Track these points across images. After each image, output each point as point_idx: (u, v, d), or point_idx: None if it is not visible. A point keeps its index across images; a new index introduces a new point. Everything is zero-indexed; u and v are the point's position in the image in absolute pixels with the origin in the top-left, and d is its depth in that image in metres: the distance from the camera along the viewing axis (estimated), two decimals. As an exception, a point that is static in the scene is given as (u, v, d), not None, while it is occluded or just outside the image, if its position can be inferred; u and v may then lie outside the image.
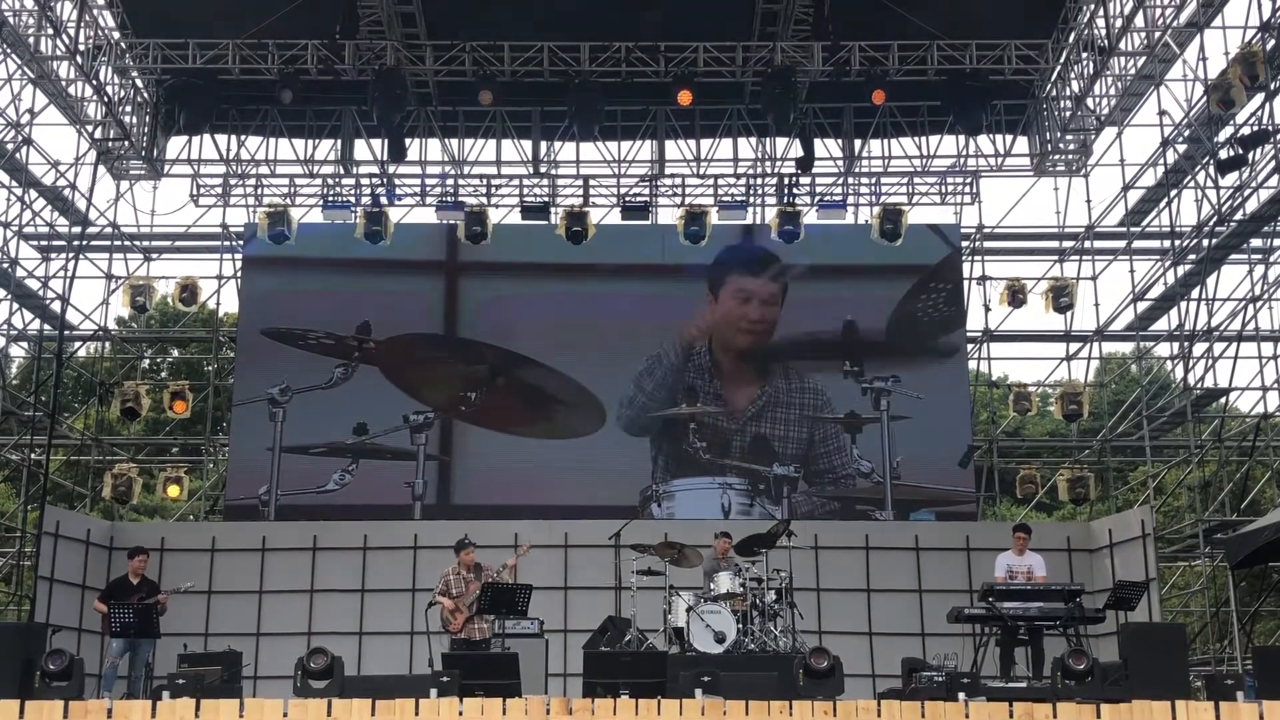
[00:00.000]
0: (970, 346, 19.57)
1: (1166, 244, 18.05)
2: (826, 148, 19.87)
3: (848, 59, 17.52)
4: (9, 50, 16.70)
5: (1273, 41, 15.50)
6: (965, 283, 19.42)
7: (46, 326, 18.65)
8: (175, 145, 19.74)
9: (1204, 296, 16.79)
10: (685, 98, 17.21)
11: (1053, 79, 19.12)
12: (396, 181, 19.85)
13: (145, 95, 19.09)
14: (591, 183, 19.79)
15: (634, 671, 9.72)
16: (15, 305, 17.59)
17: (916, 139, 19.81)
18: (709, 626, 12.10)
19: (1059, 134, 19.32)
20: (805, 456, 18.24)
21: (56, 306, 18.09)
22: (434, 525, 17.09)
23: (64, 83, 17.58)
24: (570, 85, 17.55)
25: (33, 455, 17.77)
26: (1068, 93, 19.09)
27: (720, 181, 19.79)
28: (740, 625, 12.25)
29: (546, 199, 19.72)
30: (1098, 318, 19.66)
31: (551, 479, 18.04)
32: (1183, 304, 17.30)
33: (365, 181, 19.73)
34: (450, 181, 19.88)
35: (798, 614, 13.04)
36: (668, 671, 9.94)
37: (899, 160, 19.94)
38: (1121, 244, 19.13)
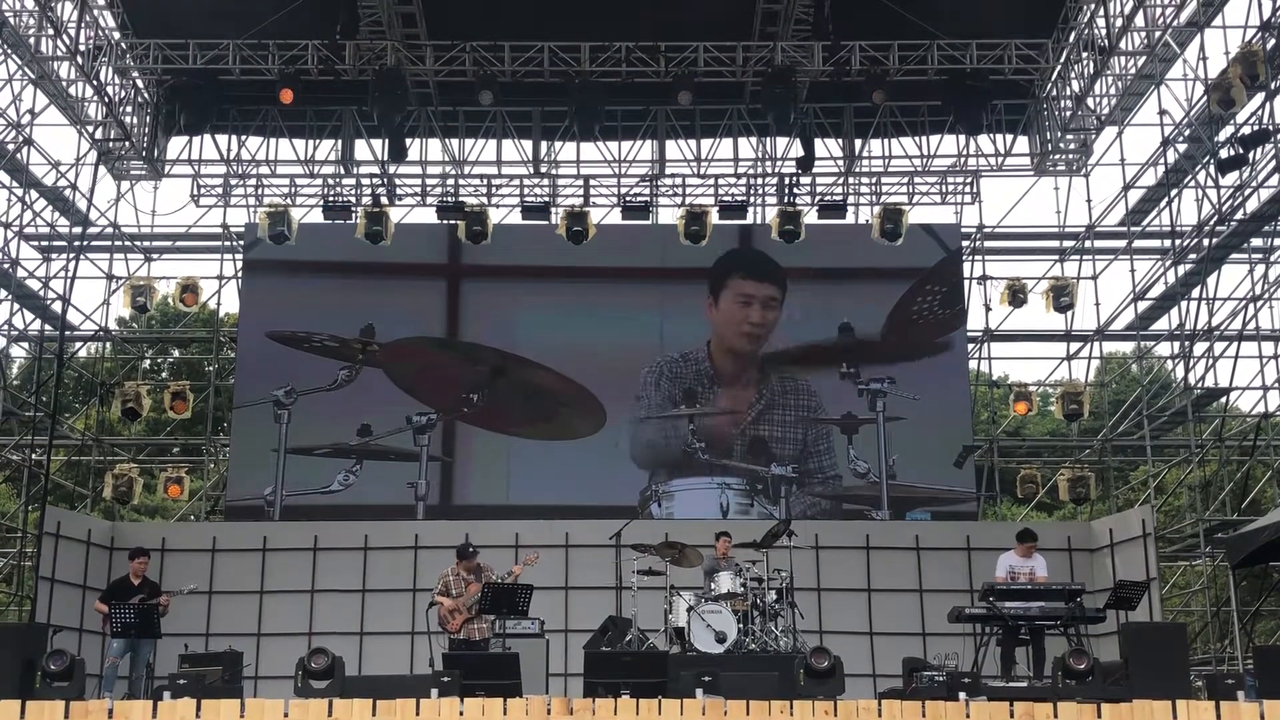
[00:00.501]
0: (971, 346, 19.58)
1: (1167, 243, 18.06)
2: (827, 147, 19.89)
3: (848, 59, 17.52)
4: (10, 51, 16.71)
5: (1273, 41, 15.50)
6: (966, 282, 19.44)
7: (47, 327, 18.65)
8: (176, 145, 19.77)
9: (1204, 296, 16.81)
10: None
11: (1053, 79, 19.11)
12: (397, 181, 19.86)
13: (146, 95, 19.09)
14: (592, 183, 19.81)
15: (635, 671, 9.73)
16: (16, 305, 17.60)
17: (917, 139, 19.83)
18: (710, 626, 12.10)
19: (1059, 133, 19.32)
20: (801, 456, 18.31)
21: (57, 307, 18.10)
22: (435, 525, 17.13)
23: (65, 83, 17.58)
24: (571, 85, 17.54)
25: (33, 455, 17.78)
26: (1068, 92, 19.08)
27: (720, 181, 19.79)
28: (741, 625, 12.25)
29: (547, 199, 19.74)
30: (1098, 317, 19.71)
31: (552, 479, 18.10)
32: (1183, 303, 17.31)
33: (366, 182, 19.74)
34: (451, 182, 19.90)
35: (798, 614, 13.03)
36: (668, 671, 9.96)
37: (899, 160, 19.96)
38: (1122, 243, 19.13)
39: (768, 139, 20.01)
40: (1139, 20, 16.94)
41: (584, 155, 19.94)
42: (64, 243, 18.79)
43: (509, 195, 19.94)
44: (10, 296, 17.38)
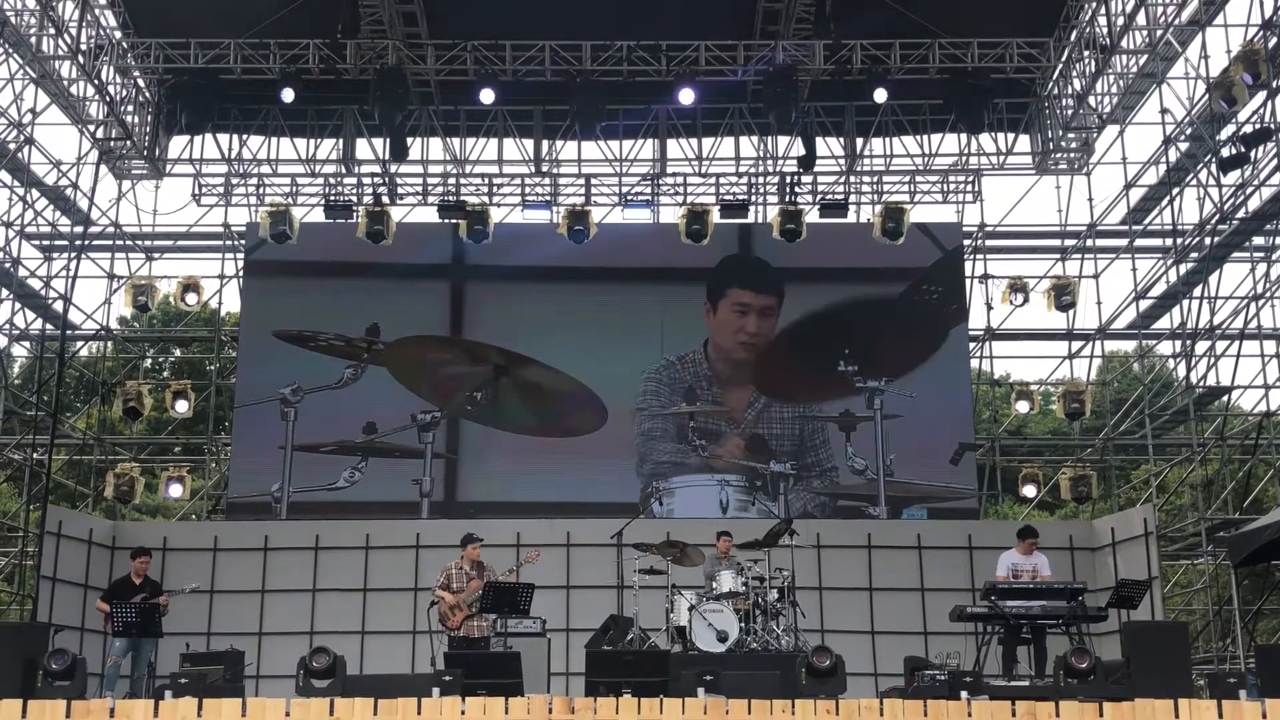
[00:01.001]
0: (972, 345, 19.58)
1: (1169, 242, 18.05)
2: (828, 146, 19.88)
3: (849, 58, 17.53)
4: (11, 50, 16.71)
5: (1275, 39, 15.48)
6: (968, 281, 19.44)
7: (49, 326, 18.66)
8: (177, 145, 19.76)
9: (1206, 295, 16.80)
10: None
11: (1054, 77, 19.10)
12: (398, 181, 19.86)
13: (147, 95, 19.10)
14: (593, 182, 19.79)
15: (636, 670, 9.72)
16: (17, 305, 17.61)
17: (918, 137, 19.81)
18: (711, 625, 12.10)
19: (1061, 132, 19.31)
20: (798, 453, 18.37)
21: (59, 306, 18.13)
22: (436, 524, 17.16)
23: (66, 82, 17.58)
24: (572, 84, 17.55)
25: (35, 455, 17.79)
26: (1069, 91, 19.07)
27: (722, 180, 19.79)
28: (742, 624, 12.25)
29: (548, 198, 19.73)
30: (1100, 316, 19.69)
31: (555, 477, 18.18)
32: (1185, 302, 17.31)
33: (367, 181, 19.74)
34: (452, 181, 19.90)
35: (800, 613, 13.04)
36: (670, 670, 9.94)
37: (901, 159, 19.95)
38: (1123, 242, 19.11)
39: (769, 138, 20.01)
40: (1140, 19, 16.94)
41: (585, 154, 19.97)
42: (65, 242, 18.79)
43: (510, 194, 19.94)
44: (11, 296, 17.38)
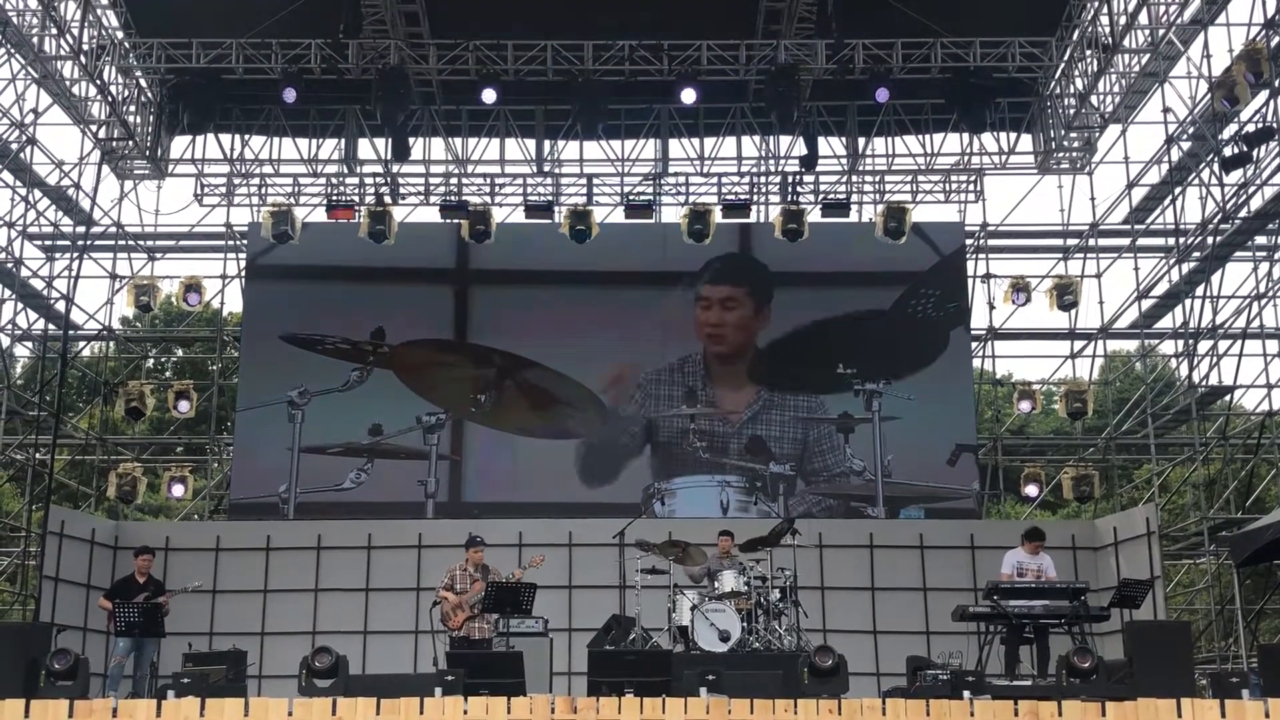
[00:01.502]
0: (975, 344, 19.58)
1: (1171, 241, 18.04)
2: (830, 146, 19.91)
3: (851, 57, 17.53)
4: (13, 50, 16.71)
5: (1277, 38, 15.47)
6: (970, 280, 19.44)
7: (51, 326, 18.68)
8: (179, 145, 19.77)
9: (1208, 294, 16.79)
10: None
11: (1057, 76, 19.09)
12: (400, 181, 19.87)
13: (149, 95, 19.11)
14: (595, 181, 19.78)
15: (638, 670, 9.71)
16: (20, 305, 17.62)
17: (920, 137, 19.81)
18: (713, 625, 12.10)
19: (1063, 131, 19.30)
20: (800, 456, 18.42)
21: (61, 306, 18.16)
22: (438, 525, 17.19)
23: (68, 82, 17.59)
24: (574, 84, 17.55)
25: (37, 455, 17.80)
26: (1072, 90, 19.06)
27: (724, 180, 19.79)
28: (745, 624, 12.25)
29: (550, 198, 19.73)
30: (1102, 315, 19.67)
31: (557, 477, 18.28)
32: (1187, 301, 17.30)
33: (369, 181, 19.74)
34: (454, 181, 19.90)
35: (802, 612, 13.03)
36: (672, 670, 9.93)
37: (903, 158, 19.95)
38: (1126, 241, 19.10)
39: (771, 137, 20.01)
40: (1142, 18, 16.94)
41: (587, 154, 19.98)
42: (67, 242, 18.79)
43: (512, 194, 19.94)
44: (14, 296, 17.38)
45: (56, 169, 17.95)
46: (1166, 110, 17.37)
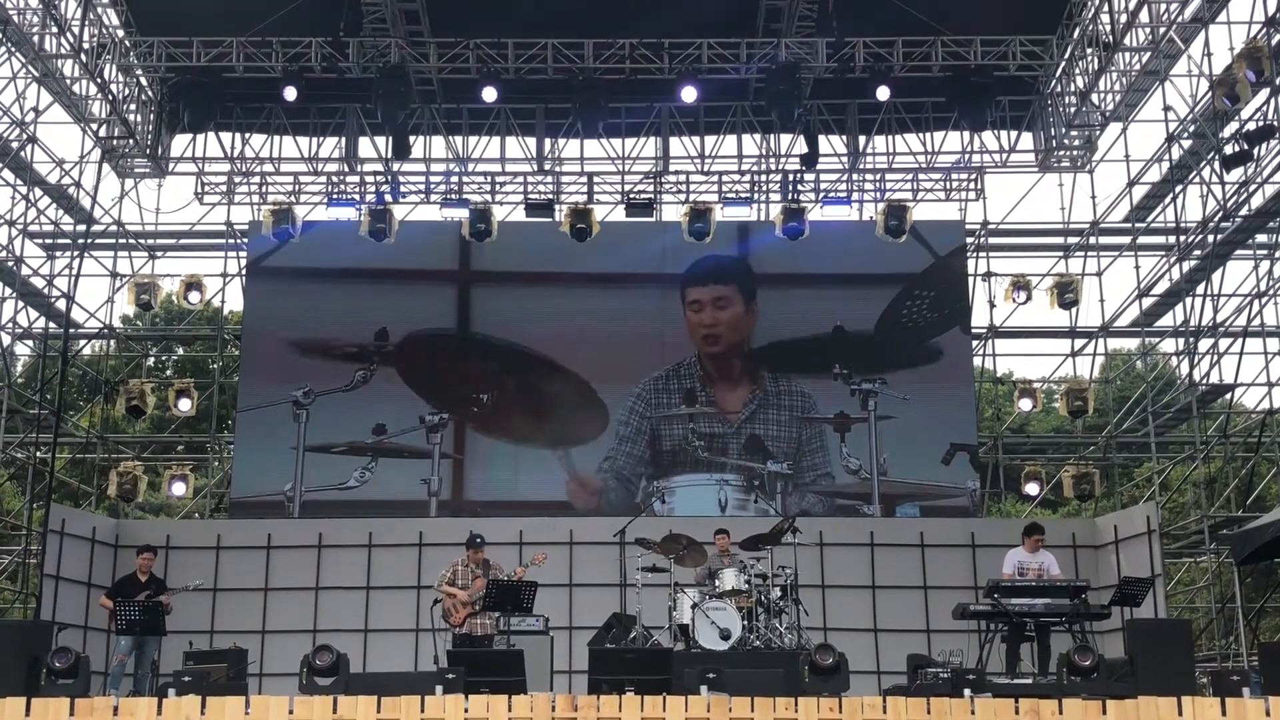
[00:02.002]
0: (975, 343, 19.58)
1: (1172, 240, 18.03)
2: (831, 144, 19.88)
3: (852, 55, 17.52)
4: (14, 48, 16.71)
5: (1278, 36, 15.46)
6: (970, 278, 19.44)
7: (51, 325, 18.67)
8: (180, 143, 19.76)
9: (1209, 292, 16.78)
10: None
11: (1057, 75, 19.09)
12: (401, 179, 19.86)
13: (150, 93, 19.10)
14: (596, 180, 19.78)
15: (639, 668, 9.70)
16: (20, 303, 17.60)
17: (921, 135, 19.80)
18: (714, 623, 12.10)
19: (1064, 130, 19.29)
20: (796, 455, 18.45)
21: (61, 305, 18.15)
22: (439, 523, 17.22)
23: (69, 81, 17.59)
24: (574, 82, 17.55)
25: (38, 453, 17.80)
26: (1072, 88, 19.05)
27: (724, 178, 19.78)
28: (745, 622, 12.24)
29: (551, 196, 19.74)
30: (1103, 314, 19.67)
31: (558, 476, 18.33)
32: (1188, 300, 17.28)
33: (370, 179, 19.74)
34: (455, 179, 19.90)
35: (803, 610, 13.02)
36: (673, 668, 9.92)
37: (903, 157, 19.94)
38: (1126, 240, 19.09)
39: (771, 136, 20.00)
40: (1143, 16, 16.94)
41: (588, 152, 19.94)
42: (68, 240, 18.80)
43: (513, 193, 19.94)
44: (15, 294, 17.38)
45: (57, 167, 17.98)
46: (1167, 108, 17.38)
